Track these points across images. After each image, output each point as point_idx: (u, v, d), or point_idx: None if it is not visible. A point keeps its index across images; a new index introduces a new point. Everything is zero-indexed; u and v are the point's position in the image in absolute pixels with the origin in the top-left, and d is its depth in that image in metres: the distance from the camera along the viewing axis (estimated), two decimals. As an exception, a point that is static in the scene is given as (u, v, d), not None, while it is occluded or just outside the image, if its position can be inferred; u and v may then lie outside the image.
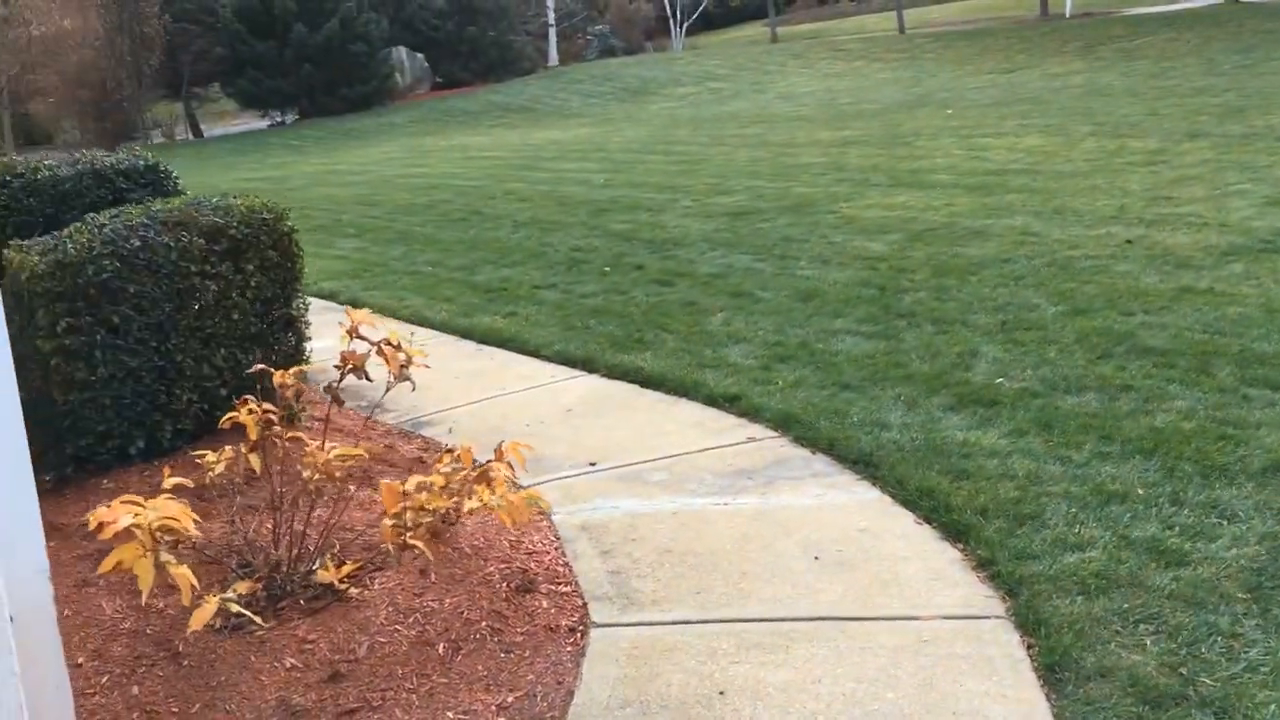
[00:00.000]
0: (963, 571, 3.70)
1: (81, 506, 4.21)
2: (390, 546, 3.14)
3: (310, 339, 5.46)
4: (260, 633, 3.39)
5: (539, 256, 9.50)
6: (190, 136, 35.32)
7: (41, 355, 4.25)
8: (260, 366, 3.60)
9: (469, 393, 6.05)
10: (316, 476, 3.32)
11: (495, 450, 3.71)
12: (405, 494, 3.12)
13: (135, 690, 3.19)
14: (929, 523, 4.06)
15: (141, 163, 6.15)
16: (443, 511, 3.22)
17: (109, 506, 2.94)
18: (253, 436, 3.34)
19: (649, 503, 4.41)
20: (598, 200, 12.36)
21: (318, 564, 3.57)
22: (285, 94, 33.88)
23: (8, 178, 5.75)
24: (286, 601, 3.53)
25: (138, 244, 4.39)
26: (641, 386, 5.90)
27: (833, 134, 17.30)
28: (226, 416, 3.42)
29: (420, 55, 37.24)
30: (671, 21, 46.04)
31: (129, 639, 3.39)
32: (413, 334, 5.86)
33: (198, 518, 3.32)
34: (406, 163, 19.66)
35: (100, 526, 2.89)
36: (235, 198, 5.01)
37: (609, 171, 15.12)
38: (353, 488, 4.32)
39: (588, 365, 6.30)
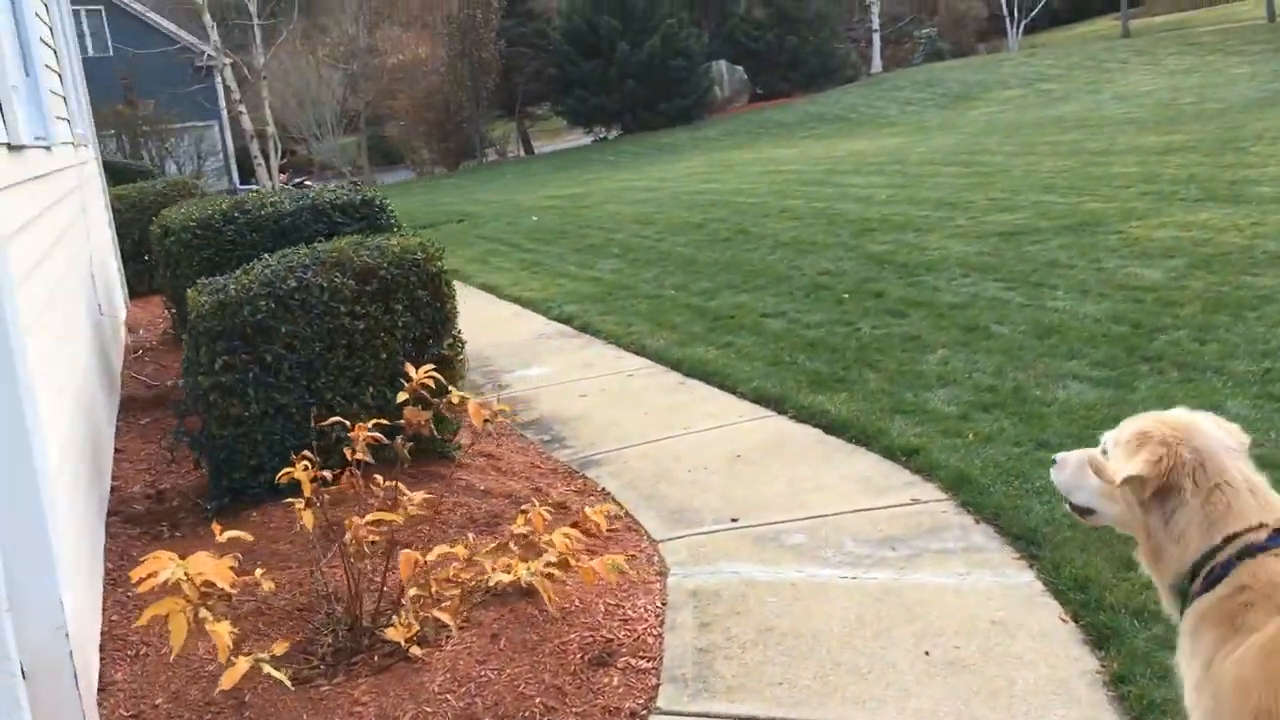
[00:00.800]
0: (1091, 688, 3.14)
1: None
2: (412, 620, 3.04)
3: (464, 377, 5.46)
4: (325, 688, 3.39)
5: (783, 281, 9.20)
6: (522, 154, 37.40)
7: (204, 391, 4.50)
8: (335, 419, 3.61)
9: (653, 429, 5.89)
10: (355, 543, 3.27)
11: (579, 516, 3.53)
12: (421, 564, 3.01)
13: (194, 736, 3.27)
14: (1075, 620, 3.49)
15: (358, 198, 6.45)
16: (472, 583, 3.07)
17: (155, 558, 3.02)
18: (306, 493, 3.34)
19: (773, 570, 4.08)
20: (868, 219, 11.86)
21: (396, 620, 3.53)
22: (609, 110, 35.15)
23: (235, 214, 6.19)
24: (361, 656, 3.52)
25: (293, 285, 4.56)
26: (825, 432, 5.52)
27: (1158, 139, 15.78)
28: (283, 472, 3.45)
29: (739, 68, 37.51)
30: (1008, 20, 43.79)
31: (208, 682, 3.49)
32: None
33: (275, 567, 3.36)
34: (703, 178, 19.78)
35: (141, 580, 2.98)
36: (398, 235, 5.10)
37: (896, 186, 14.50)
38: (470, 535, 4.28)
39: (778, 405, 5.98)
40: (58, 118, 6.46)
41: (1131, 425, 2.26)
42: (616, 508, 4.62)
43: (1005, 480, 4.54)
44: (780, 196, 15.07)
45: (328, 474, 3.37)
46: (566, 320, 8.78)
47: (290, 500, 4.00)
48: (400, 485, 3.73)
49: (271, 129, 33.10)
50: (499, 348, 8.15)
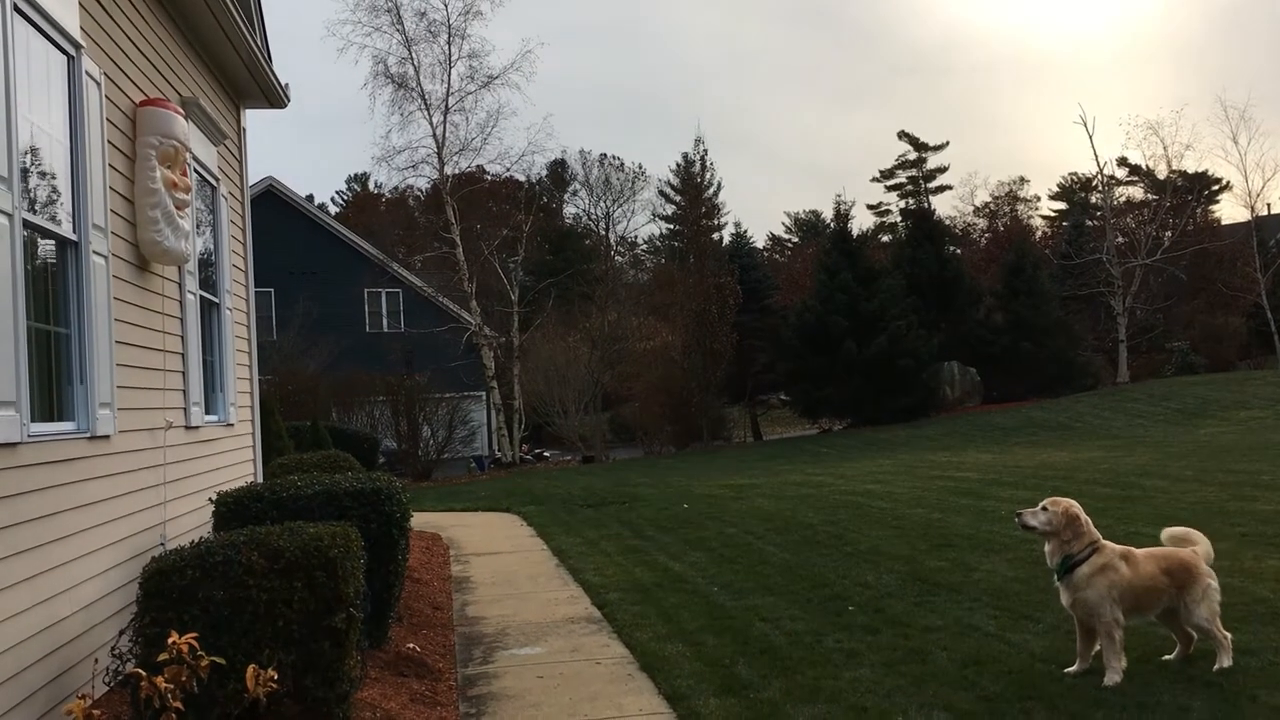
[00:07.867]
0: None
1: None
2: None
3: (358, 648, 6.21)
4: None
5: (817, 588, 9.57)
6: (750, 439, 38.73)
7: (140, 642, 5.61)
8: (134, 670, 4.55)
9: (564, 714, 6.47)
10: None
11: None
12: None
13: None
14: None
15: (370, 487, 7.62)
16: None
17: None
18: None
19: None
20: (957, 535, 12.04)
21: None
22: (835, 403, 36.15)
23: (265, 494, 7.48)
24: None
25: (219, 559, 5.67)
26: (692, 738, 5.97)
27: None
28: (67, 707, 4.40)
29: (972, 369, 37.82)
30: (1276, 336, 42.11)
31: None
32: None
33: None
34: (875, 478, 20.13)
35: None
36: (326, 524, 6.14)
37: (1029, 505, 14.43)
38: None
39: (676, 702, 6.45)
40: (193, 405, 8.16)
41: (1061, 499, 6.84)
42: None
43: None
44: (914, 505, 15.31)
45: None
46: (601, 606, 9.48)
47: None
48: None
49: (518, 404, 36.06)
50: (525, 626, 8.93)
